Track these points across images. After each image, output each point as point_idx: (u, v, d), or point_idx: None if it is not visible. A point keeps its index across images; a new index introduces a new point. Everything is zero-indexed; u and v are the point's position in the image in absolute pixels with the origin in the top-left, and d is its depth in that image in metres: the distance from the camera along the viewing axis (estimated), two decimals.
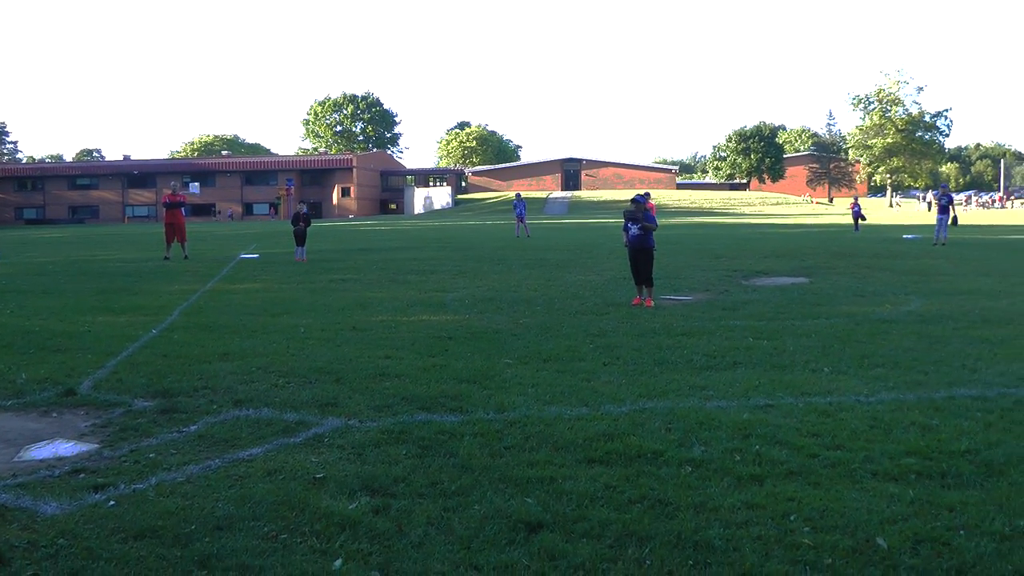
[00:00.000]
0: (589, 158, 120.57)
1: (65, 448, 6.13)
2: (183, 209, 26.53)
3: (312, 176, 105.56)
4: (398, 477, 5.35)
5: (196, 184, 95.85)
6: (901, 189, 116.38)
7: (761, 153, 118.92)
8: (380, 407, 7.08)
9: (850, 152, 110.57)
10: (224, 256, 27.45)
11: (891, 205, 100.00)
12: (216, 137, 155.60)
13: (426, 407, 7.07)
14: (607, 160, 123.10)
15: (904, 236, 35.08)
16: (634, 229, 14.25)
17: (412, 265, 22.40)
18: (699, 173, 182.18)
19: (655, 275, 14.42)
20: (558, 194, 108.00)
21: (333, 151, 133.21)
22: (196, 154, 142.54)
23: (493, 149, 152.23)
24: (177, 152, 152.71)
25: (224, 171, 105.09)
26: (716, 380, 8.01)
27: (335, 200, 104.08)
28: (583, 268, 20.70)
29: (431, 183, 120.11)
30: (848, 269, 19.62)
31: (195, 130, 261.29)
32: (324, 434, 6.33)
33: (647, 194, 29.10)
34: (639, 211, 14.26)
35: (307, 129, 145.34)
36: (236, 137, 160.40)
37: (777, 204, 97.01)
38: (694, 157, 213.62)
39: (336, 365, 8.82)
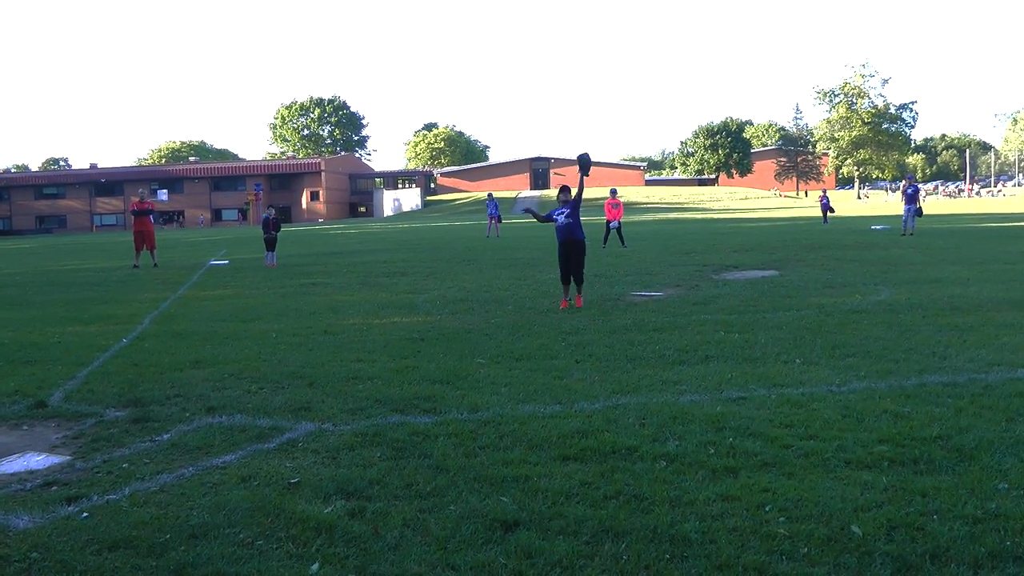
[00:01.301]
0: (557, 156, 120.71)
1: (36, 461, 6.05)
2: (151, 216, 26.30)
3: (280, 180, 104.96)
4: (373, 480, 5.33)
5: (164, 191, 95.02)
6: (869, 181, 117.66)
7: (729, 148, 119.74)
8: (353, 410, 7.06)
9: (818, 145, 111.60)
10: (194, 263, 27.23)
11: (859, 197, 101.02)
12: (183, 143, 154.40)
13: (399, 409, 7.05)
14: (574, 158, 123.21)
15: (872, 227, 35.48)
16: (561, 219, 12.96)
17: (383, 268, 22.34)
18: (668, 169, 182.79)
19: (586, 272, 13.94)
20: (527, 193, 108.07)
21: (301, 155, 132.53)
22: (163, 161, 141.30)
23: (461, 150, 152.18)
24: (144, 159, 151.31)
25: (192, 177, 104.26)
26: (689, 374, 8.05)
27: (304, 204, 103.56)
28: (553, 266, 20.56)
29: (400, 185, 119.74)
30: (817, 261, 19.79)
31: (162, 136, 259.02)
32: (298, 439, 6.29)
33: (614, 191, 29.45)
34: (567, 200, 13.07)
35: (274, 133, 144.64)
36: (203, 143, 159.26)
37: (746, 199, 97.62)
38: (662, 153, 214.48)
39: (308, 369, 8.78)
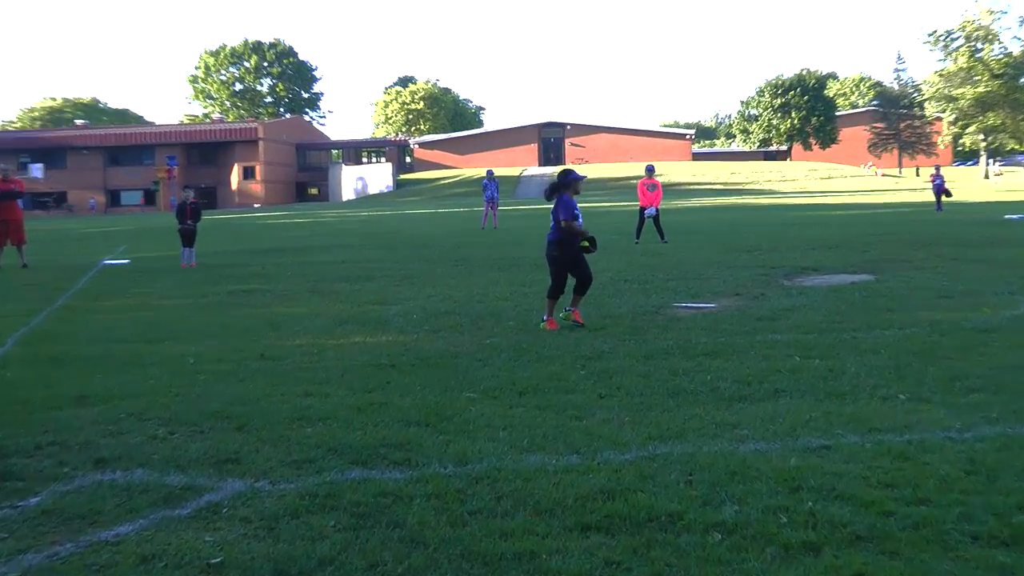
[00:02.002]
0: (575, 122, 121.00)
1: None
2: (19, 201, 26.29)
3: (203, 152, 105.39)
4: (324, 558, 5.31)
5: (39, 166, 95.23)
6: (999, 154, 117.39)
7: (806, 110, 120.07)
8: (299, 462, 7.03)
9: (927, 107, 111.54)
10: (81, 263, 27.23)
11: (987, 176, 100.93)
12: (67, 101, 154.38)
13: (362, 460, 7.03)
14: (599, 124, 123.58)
15: (1006, 216, 35.45)
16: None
17: (341, 270, 22.36)
18: (723, 139, 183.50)
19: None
20: (535, 170, 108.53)
21: (231, 118, 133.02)
22: (38, 125, 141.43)
23: (447, 112, 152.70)
24: (11, 123, 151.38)
25: (79, 147, 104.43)
26: (752, 415, 8.03)
27: (235, 184, 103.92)
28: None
29: (365, 159, 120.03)
30: (928, 262, 19.80)
31: (37, 92, 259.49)
32: (222, 502, 6.26)
33: (651, 168, 29.45)
34: (560, 187, 13.18)
35: (195, 89, 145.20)
36: (96, 101, 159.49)
37: (829, 178, 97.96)
38: (715, 119, 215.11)
39: (238, 407, 8.76)
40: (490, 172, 40.44)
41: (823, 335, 11.70)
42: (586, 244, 13.17)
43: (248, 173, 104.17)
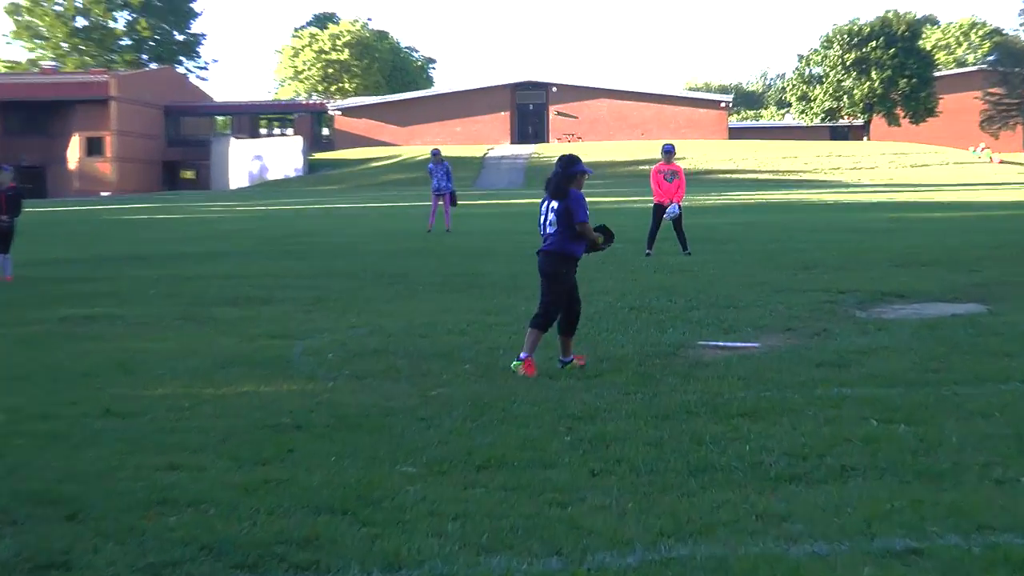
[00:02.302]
0: (564, 83, 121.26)
1: None
2: None
3: (26, 116, 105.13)
4: None
5: None
6: None
7: (891, 69, 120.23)
8: (157, 567, 6.99)
9: None
10: None
11: None
12: None
13: (249, 564, 7.02)
14: (597, 87, 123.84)
15: None
16: (551, 218, 13.57)
17: (227, 288, 22.37)
18: (772, 109, 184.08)
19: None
20: (506, 150, 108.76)
21: (70, 66, 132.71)
22: None
23: (383, 66, 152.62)
24: None
25: None
26: (808, 502, 8.05)
27: (74, 162, 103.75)
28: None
29: (264, 130, 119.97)
30: None
31: None
32: None
33: (670, 150, 29.40)
34: (565, 180, 13.51)
35: (17, 23, 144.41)
36: None
37: (923, 165, 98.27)
38: (763, 80, 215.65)
39: (70, 486, 8.71)
40: (436, 152, 40.21)
41: (912, 390, 11.73)
42: (600, 240, 13.43)
43: (94, 147, 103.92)
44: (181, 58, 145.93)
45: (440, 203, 38.55)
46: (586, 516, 7.84)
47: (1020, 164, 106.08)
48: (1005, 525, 7.52)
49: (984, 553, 6.98)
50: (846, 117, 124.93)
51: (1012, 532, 7.38)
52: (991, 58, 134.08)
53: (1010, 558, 6.88)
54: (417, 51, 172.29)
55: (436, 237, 35.31)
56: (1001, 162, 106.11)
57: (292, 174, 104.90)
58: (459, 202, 39.72)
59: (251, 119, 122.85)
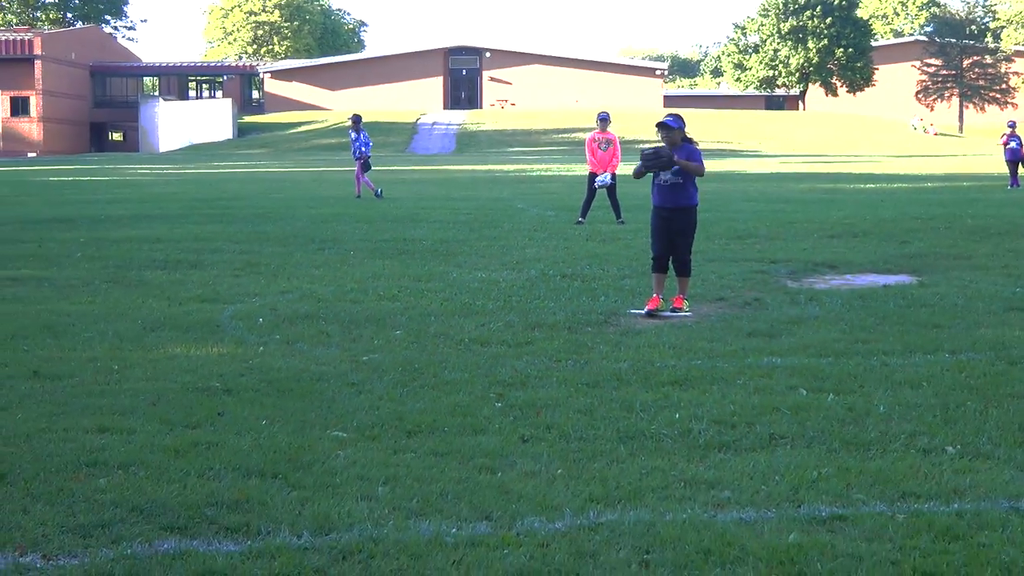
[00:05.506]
0: (498, 48, 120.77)
1: None
2: None
3: None
4: None
5: None
6: None
7: (827, 38, 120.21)
8: (87, 528, 6.96)
9: (1004, 36, 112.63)
10: None
11: None
12: None
13: (179, 526, 7.00)
14: (531, 52, 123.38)
15: None
16: (665, 176, 15.15)
17: (155, 251, 22.17)
18: (707, 76, 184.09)
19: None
20: (439, 115, 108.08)
21: None
22: None
23: (314, 29, 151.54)
24: None
25: None
26: (737, 469, 8.09)
27: None
28: (485, 256, 20.90)
29: (193, 93, 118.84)
30: (995, 259, 20.01)
31: None
32: None
33: (604, 118, 29.28)
34: (673, 143, 15.37)
35: None
36: None
37: (857, 135, 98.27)
38: (699, 49, 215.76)
39: None
40: (356, 118, 39.89)
41: (841, 360, 11.78)
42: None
43: (19, 107, 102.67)
44: (108, 17, 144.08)
45: (362, 172, 38.39)
46: (516, 482, 7.85)
47: (954, 136, 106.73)
48: (929, 493, 7.55)
49: (908, 520, 7.01)
50: (782, 86, 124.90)
51: (935, 500, 7.42)
52: (928, 28, 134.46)
53: (934, 525, 6.90)
54: (349, 14, 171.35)
55: (366, 203, 35.09)
56: (935, 133, 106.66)
57: (222, 138, 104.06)
58: (390, 167, 39.44)
59: (180, 81, 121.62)
